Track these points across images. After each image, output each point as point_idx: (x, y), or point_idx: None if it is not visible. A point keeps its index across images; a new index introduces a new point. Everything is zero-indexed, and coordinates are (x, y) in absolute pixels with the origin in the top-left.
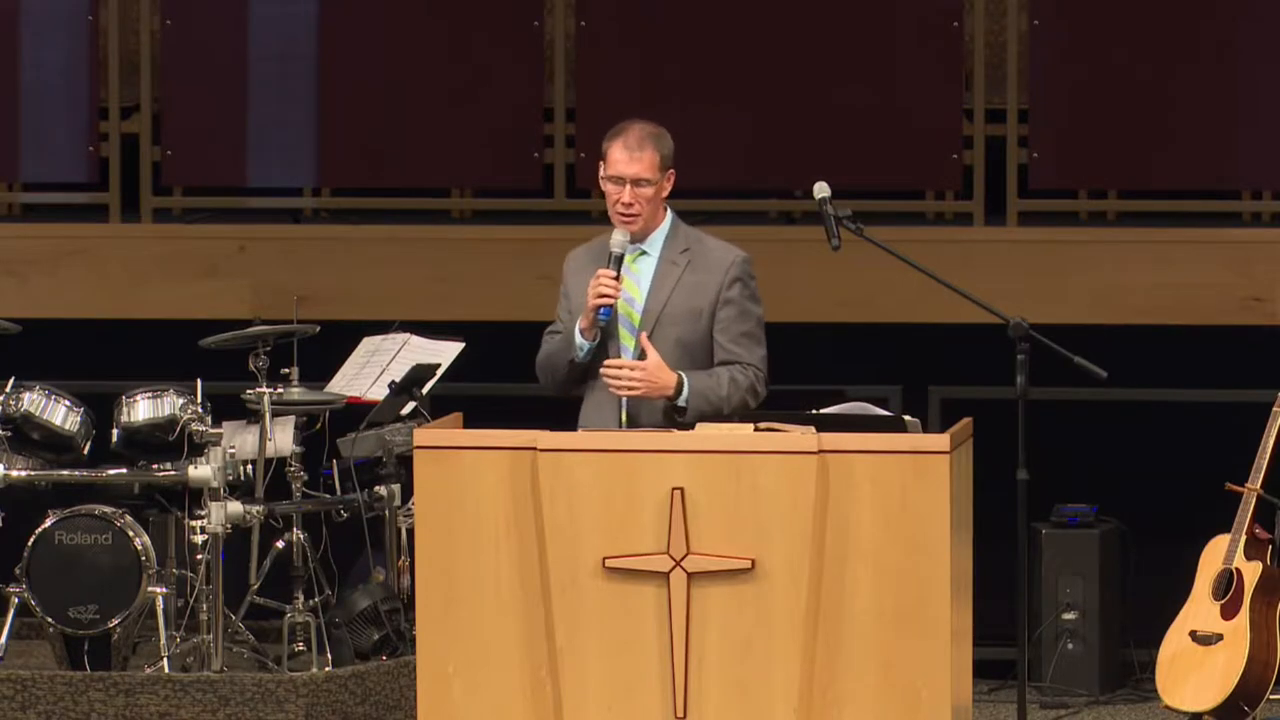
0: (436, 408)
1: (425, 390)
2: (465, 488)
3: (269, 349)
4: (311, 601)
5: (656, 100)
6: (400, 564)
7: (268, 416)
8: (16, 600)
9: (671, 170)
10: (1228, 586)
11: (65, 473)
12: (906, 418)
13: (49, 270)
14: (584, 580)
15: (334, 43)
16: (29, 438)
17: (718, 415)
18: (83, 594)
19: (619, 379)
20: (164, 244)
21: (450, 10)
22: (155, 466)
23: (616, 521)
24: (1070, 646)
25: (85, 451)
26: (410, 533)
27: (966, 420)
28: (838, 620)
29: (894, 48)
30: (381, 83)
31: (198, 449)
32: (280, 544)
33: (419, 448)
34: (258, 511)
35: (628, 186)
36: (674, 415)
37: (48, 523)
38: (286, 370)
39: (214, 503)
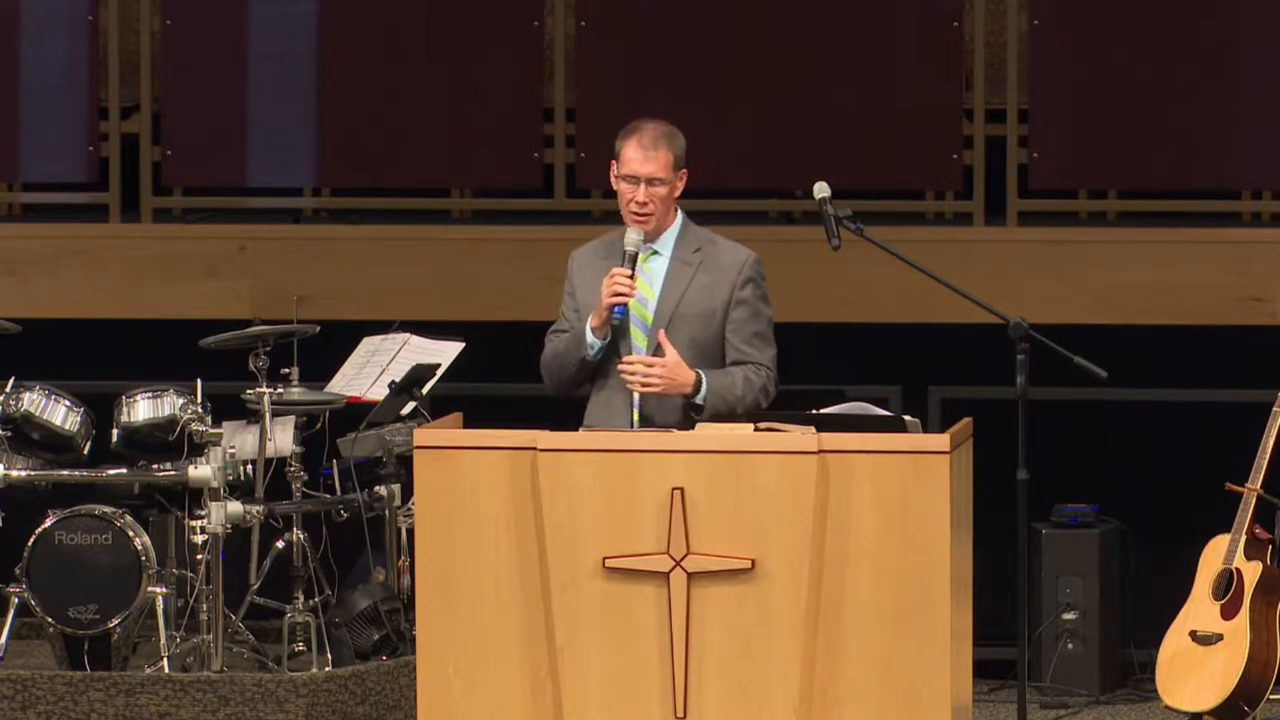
0: (436, 408)
1: (425, 390)
2: (465, 488)
3: (269, 349)
4: (311, 601)
5: (656, 100)
6: (400, 564)
7: (268, 416)
8: (16, 600)
9: (684, 170)
10: (1228, 586)
11: (65, 473)
12: (906, 418)
13: (49, 270)
14: (584, 580)
15: (334, 43)
16: (29, 438)
17: (731, 415)
18: (83, 594)
19: (639, 375)
20: (164, 244)
21: (450, 10)
22: (155, 466)
23: (616, 521)
24: (1070, 646)
25: (85, 451)
26: (410, 533)
27: (966, 420)
28: (838, 620)
29: (894, 48)
30: (381, 82)
31: (198, 449)
32: (280, 544)
33: (419, 448)
34: (258, 511)
35: (642, 186)
36: (691, 414)
37: (48, 523)
38: (286, 370)
39: (214, 503)
